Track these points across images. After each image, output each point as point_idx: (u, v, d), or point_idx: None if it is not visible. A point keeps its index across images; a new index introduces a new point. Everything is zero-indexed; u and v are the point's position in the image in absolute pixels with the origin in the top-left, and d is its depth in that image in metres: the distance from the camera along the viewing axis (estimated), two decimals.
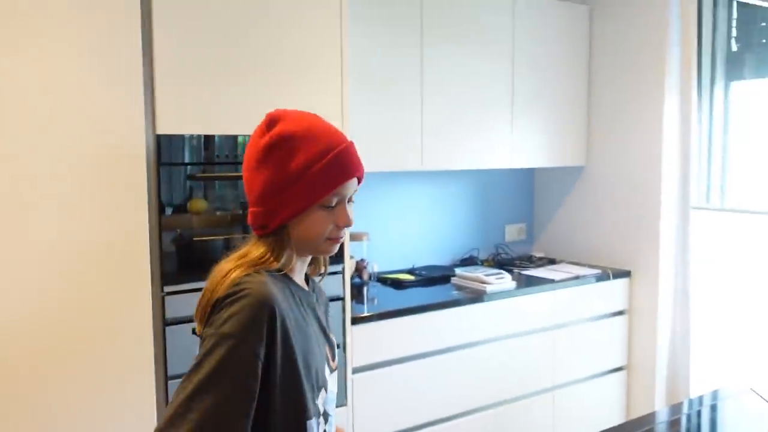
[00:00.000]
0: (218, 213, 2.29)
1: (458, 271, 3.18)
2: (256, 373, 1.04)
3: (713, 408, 1.73)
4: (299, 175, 1.12)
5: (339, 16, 2.43)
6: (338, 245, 1.22)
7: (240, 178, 2.29)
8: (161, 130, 2.12)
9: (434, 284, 3.13)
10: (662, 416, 1.70)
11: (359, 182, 1.21)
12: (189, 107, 2.17)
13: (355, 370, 2.55)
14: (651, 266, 3.34)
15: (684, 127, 3.27)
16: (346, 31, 2.45)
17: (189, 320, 2.20)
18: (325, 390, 1.23)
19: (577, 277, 3.26)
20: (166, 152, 2.15)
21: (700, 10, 3.20)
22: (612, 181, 3.51)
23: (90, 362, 2.03)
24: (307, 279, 1.29)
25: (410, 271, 3.29)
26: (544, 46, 3.37)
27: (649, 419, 1.66)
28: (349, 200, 1.20)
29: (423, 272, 3.26)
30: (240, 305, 1.05)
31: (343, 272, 2.49)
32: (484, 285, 2.98)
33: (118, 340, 2.07)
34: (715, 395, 1.79)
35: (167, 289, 2.16)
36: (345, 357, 2.51)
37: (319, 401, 1.19)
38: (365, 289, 3.02)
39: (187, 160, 2.21)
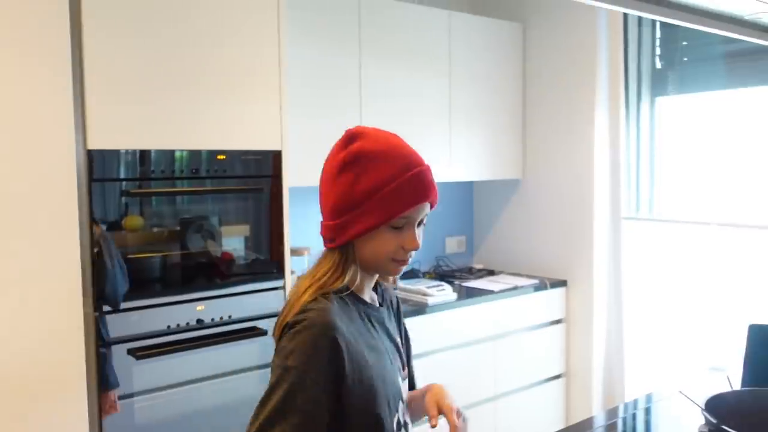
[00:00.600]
0: (155, 230, 2.24)
1: (400, 283, 3.19)
2: (322, 402, 1.07)
3: (647, 411, 1.78)
4: (370, 195, 1.13)
5: (276, 26, 2.42)
6: (404, 268, 1.21)
7: (177, 193, 2.26)
8: (93, 145, 2.05)
9: None
10: (600, 421, 1.74)
11: (432, 206, 1.21)
12: (122, 121, 2.11)
13: None
14: (585, 275, 3.44)
15: (613, 141, 3.40)
16: (285, 41, 2.44)
17: (126, 340, 2.14)
18: (402, 401, 1.25)
19: (515, 288, 3.32)
20: (99, 168, 2.09)
21: (626, 30, 3.34)
22: (547, 194, 3.60)
23: (20, 386, 1.93)
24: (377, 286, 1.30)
25: None
26: (480, 61, 3.45)
27: (587, 424, 1.69)
28: (420, 223, 1.20)
29: None
30: (302, 337, 1.08)
31: (284, 288, 2.47)
32: (426, 297, 3.00)
33: (49, 362, 1.97)
34: (648, 398, 1.85)
35: (102, 308, 2.09)
36: None
37: (400, 413, 1.23)
38: None
39: (122, 176, 2.15)
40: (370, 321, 1.22)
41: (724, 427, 1.17)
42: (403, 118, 3.14)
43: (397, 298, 1.39)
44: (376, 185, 1.13)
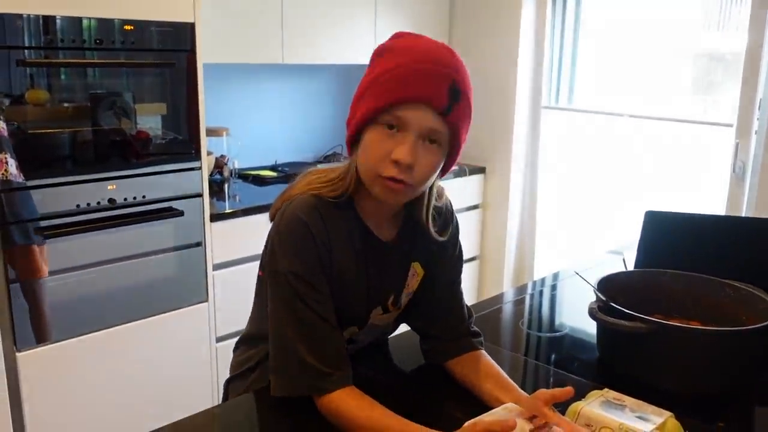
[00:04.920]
0: (65, 105, 2.12)
1: (321, 167, 3.17)
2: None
3: (553, 287, 1.90)
4: (370, 84, 1.04)
5: None
6: (394, 195, 1.05)
7: (79, 65, 2.12)
8: None
9: None
10: (509, 296, 1.83)
11: (453, 124, 1.03)
12: None
13: (216, 267, 2.54)
14: (504, 162, 3.53)
15: (539, 29, 3.39)
16: None
17: (32, 219, 2.07)
18: (359, 328, 1.23)
19: None
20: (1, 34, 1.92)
21: None
22: (471, 81, 3.57)
23: None
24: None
25: (273, 168, 3.25)
26: None
27: (498, 299, 1.78)
28: (431, 140, 1.03)
29: (286, 169, 3.23)
30: (282, 234, 1.10)
31: (201, 168, 2.42)
32: None
33: None
34: (555, 277, 1.96)
35: (9, 187, 1.99)
36: (205, 254, 2.48)
37: (346, 333, 1.21)
38: (226, 185, 2.96)
39: (24, 44, 1.99)
40: (364, 247, 1.15)
41: (612, 303, 1.26)
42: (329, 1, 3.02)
43: (448, 247, 1.25)
44: (380, 72, 1.03)
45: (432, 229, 1.18)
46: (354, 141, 1.09)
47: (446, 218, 1.25)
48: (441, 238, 1.21)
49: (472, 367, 1.21)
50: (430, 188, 1.14)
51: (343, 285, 1.13)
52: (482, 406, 1.12)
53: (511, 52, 3.38)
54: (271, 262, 1.11)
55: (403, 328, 1.36)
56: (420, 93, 1.00)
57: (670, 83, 3.08)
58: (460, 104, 1.04)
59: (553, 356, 1.44)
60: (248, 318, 1.34)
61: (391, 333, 1.39)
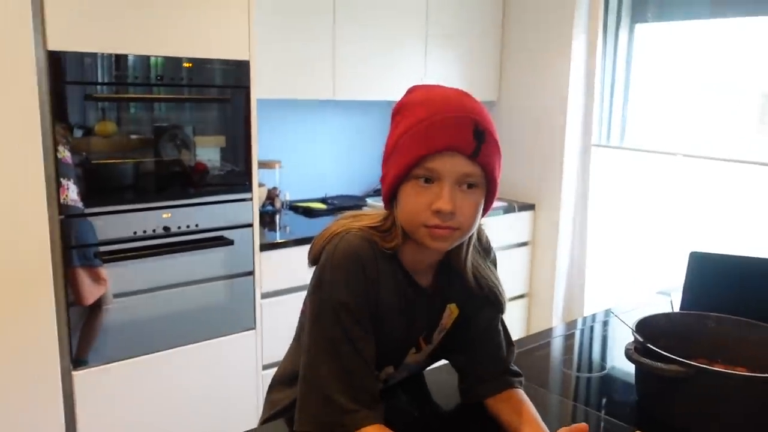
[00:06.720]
0: (131, 137, 2.23)
1: (369, 201, 3.23)
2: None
3: (605, 324, 1.87)
4: (398, 141, 1.06)
5: None
6: (443, 241, 1.06)
7: (151, 100, 2.24)
8: (53, 46, 2.00)
9: None
10: (559, 331, 1.81)
11: (485, 166, 1.06)
12: (94, 23, 2.06)
13: (264, 296, 2.60)
14: (553, 200, 3.50)
15: (590, 67, 3.38)
16: None
17: (91, 244, 2.17)
18: (394, 368, 1.25)
19: None
20: (73, 70, 2.05)
21: None
22: (521, 118, 3.60)
23: None
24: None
25: (322, 200, 3.32)
26: None
27: (547, 334, 1.76)
28: (470, 186, 1.06)
29: (335, 201, 3.30)
30: (336, 264, 1.09)
31: (252, 200, 2.50)
32: None
33: (16, 266, 2.00)
34: (607, 313, 1.93)
35: (68, 212, 2.10)
36: (254, 283, 2.55)
37: (382, 374, 1.23)
38: (277, 216, 3.03)
39: (99, 80, 2.12)
40: (406, 292, 1.16)
41: (649, 345, 1.24)
42: (378, 36, 3.09)
43: (485, 296, 1.24)
44: (404, 130, 1.05)
45: (470, 275, 1.19)
46: (391, 197, 1.10)
47: (489, 286, 1.23)
48: (479, 292, 1.21)
49: (504, 404, 1.21)
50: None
51: (384, 325, 1.14)
52: None
53: (561, 88, 3.39)
54: (318, 290, 1.10)
55: (440, 360, 1.37)
56: (447, 142, 1.02)
57: (730, 122, 3.02)
58: (487, 143, 1.06)
59: (591, 395, 1.43)
60: (285, 355, 1.35)
61: (426, 368, 1.39)
